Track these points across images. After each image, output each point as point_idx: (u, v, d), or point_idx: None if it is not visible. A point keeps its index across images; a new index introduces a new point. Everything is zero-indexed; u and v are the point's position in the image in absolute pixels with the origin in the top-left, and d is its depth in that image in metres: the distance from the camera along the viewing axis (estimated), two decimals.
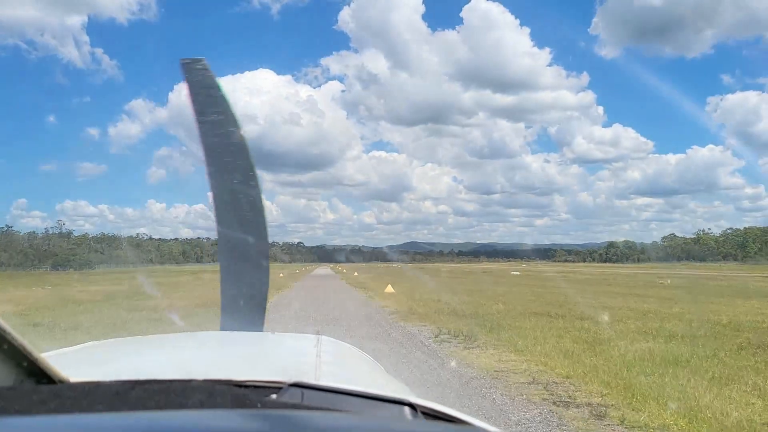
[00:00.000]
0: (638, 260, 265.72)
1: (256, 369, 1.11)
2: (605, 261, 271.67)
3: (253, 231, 1.83)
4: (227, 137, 1.76)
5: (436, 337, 10.72)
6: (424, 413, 0.75)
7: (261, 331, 1.93)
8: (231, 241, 1.88)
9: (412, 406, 0.74)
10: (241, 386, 0.71)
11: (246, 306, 1.96)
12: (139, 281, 40.70)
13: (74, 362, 1.12)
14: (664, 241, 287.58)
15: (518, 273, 63.81)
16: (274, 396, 0.71)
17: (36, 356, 0.62)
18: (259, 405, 0.64)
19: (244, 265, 1.95)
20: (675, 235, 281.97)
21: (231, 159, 1.77)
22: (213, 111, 1.76)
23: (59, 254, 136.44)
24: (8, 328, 0.58)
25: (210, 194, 1.85)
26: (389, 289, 25.44)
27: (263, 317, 2.02)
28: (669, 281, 38.99)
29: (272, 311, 16.55)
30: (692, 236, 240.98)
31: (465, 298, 20.74)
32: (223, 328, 1.94)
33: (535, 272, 68.58)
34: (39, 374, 0.63)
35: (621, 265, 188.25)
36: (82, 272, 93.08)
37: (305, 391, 0.74)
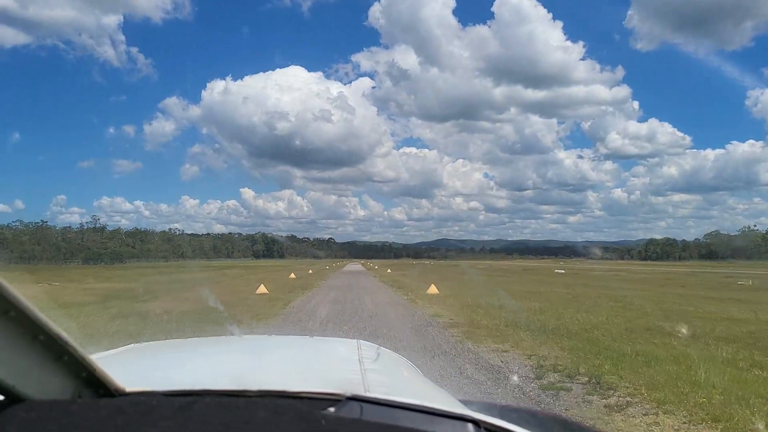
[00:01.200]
0: (679, 258, 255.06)
1: (305, 378, 1.11)
2: (645, 259, 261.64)
3: None
4: None
5: (539, 377, 6.74)
6: (487, 430, 0.73)
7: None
8: None
9: (475, 422, 0.71)
10: (297, 398, 0.70)
11: None
12: (154, 278, 37.76)
13: (122, 367, 1.10)
14: (707, 238, 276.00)
15: (563, 271, 59.03)
16: (332, 409, 0.70)
17: (95, 367, 0.63)
18: (323, 422, 0.63)
19: None
20: (719, 232, 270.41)
21: None
22: None
23: (91, 248, 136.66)
24: (69, 338, 0.59)
25: None
26: (432, 289, 21.50)
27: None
28: (751, 282, 33.96)
29: (295, 320, 12.88)
30: (737, 233, 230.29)
31: (532, 304, 16.64)
32: None
33: (581, 270, 63.62)
34: (96, 384, 0.64)
35: (666, 262, 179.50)
36: (110, 266, 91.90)
37: (363, 405, 0.72)
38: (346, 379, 1.00)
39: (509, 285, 29.17)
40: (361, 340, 1.58)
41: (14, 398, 0.56)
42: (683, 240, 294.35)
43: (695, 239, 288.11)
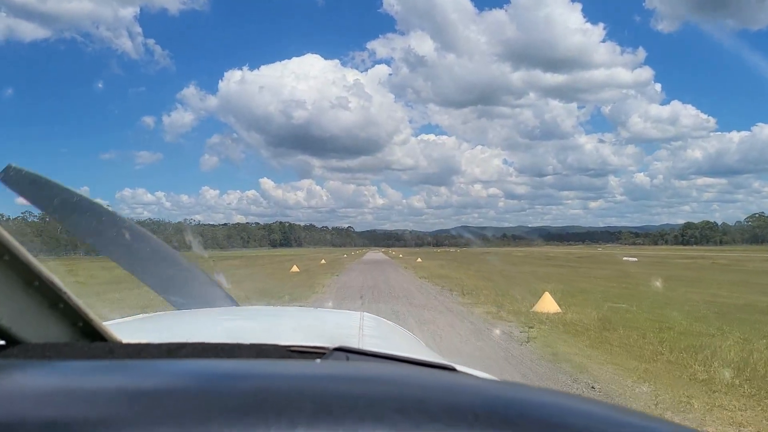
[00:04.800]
0: (720, 242, 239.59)
1: (301, 336, 1.18)
2: (682, 243, 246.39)
3: (148, 248, 1.85)
4: (78, 208, 1.79)
5: None
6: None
7: (235, 304, 1.93)
8: (151, 272, 1.89)
9: (454, 370, 0.76)
10: (288, 350, 0.74)
11: (193, 287, 1.93)
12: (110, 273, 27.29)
13: (126, 329, 1.18)
14: (749, 221, 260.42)
15: (635, 259, 47.44)
16: (318, 361, 0.74)
17: (91, 317, 0.64)
18: (309, 367, 0.67)
19: (182, 280, 1.93)
20: (763, 214, 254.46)
21: (90, 217, 1.80)
22: (52, 197, 1.79)
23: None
24: (64, 287, 0.60)
25: (107, 256, 1.87)
26: (548, 303, 10.45)
27: (220, 292, 1.92)
28: None
29: None
30: None
31: None
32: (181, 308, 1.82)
33: (659, 259, 51.96)
34: (93, 335, 0.66)
35: (709, 247, 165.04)
36: (99, 258, 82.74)
37: (350, 355, 0.75)
38: (342, 339, 0.98)
39: (630, 287, 17.88)
40: (366, 313, 1.58)
41: (12, 341, 0.58)
42: (723, 223, 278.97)
43: (736, 222, 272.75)
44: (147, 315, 1.66)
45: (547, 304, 10.71)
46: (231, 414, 0.34)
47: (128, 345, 0.64)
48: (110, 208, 1.94)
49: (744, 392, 4.94)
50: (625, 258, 50.87)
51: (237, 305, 1.95)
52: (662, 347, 6.87)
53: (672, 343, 7.12)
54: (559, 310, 10.43)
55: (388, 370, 0.60)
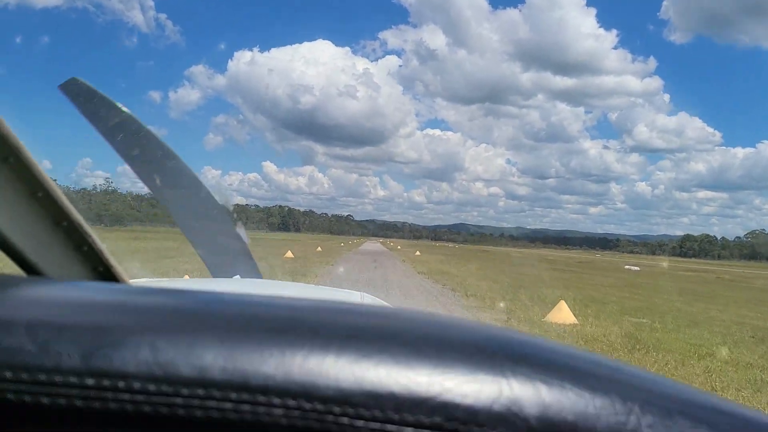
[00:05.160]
0: (718, 257, 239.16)
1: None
2: (680, 255, 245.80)
3: (195, 195, 1.94)
4: (132, 133, 1.84)
5: None
6: None
7: (258, 276, 2.04)
8: (186, 213, 1.98)
9: None
10: None
11: (229, 256, 2.08)
12: None
13: None
14: (749, 237, 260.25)
15: (638, 269, 46.45)
16: None
17: (112, 263, 0.66)
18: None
19: (207, 226, 2.04)
20: (764, 231, 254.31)
21: (145, 148, 1.86)
22: (109, 117, 1.83)
23: (90, 210, 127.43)
24: (90, 230, 0.61)
25: (145, 186, 1.89)
26: (563, 314, 9.38)
27: (253, 263, 2.13)
28: None
29: None
30: None
31: None
32: (215, 275, 2.04)
33: (656, 269, 50.96)
34: (112, 280, 0.68)
35: (713, 261, 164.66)
36: (106, 229, 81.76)
37: None
38: None
39: (643, 298, 16.80)
40: (365, 293, 1.70)
41: (36, 275, 0.59)
42: (723, 238, 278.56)
43: (736, 238, 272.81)
44: (156, 279, 1.83)
45: (562, 313, 9.64)
46: (268, 332, 0.36)
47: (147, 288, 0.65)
48: (164, 141, 1.89)
49: None
50: (627, 266, 49.89)
51: (260, 277, 1.95)
52: (711, 380, 5.79)
53: (721, 375, 6.05)
54: (576, 322, 9.36)
55: (405, 313, 0.59)
